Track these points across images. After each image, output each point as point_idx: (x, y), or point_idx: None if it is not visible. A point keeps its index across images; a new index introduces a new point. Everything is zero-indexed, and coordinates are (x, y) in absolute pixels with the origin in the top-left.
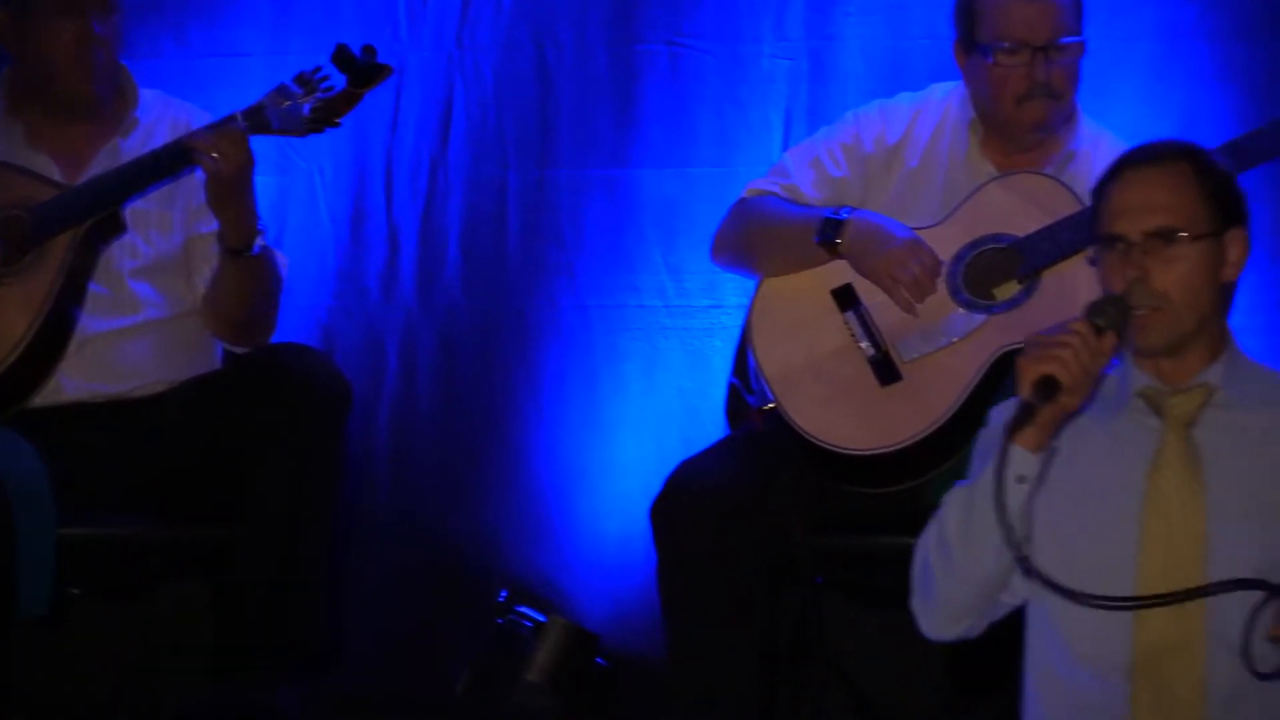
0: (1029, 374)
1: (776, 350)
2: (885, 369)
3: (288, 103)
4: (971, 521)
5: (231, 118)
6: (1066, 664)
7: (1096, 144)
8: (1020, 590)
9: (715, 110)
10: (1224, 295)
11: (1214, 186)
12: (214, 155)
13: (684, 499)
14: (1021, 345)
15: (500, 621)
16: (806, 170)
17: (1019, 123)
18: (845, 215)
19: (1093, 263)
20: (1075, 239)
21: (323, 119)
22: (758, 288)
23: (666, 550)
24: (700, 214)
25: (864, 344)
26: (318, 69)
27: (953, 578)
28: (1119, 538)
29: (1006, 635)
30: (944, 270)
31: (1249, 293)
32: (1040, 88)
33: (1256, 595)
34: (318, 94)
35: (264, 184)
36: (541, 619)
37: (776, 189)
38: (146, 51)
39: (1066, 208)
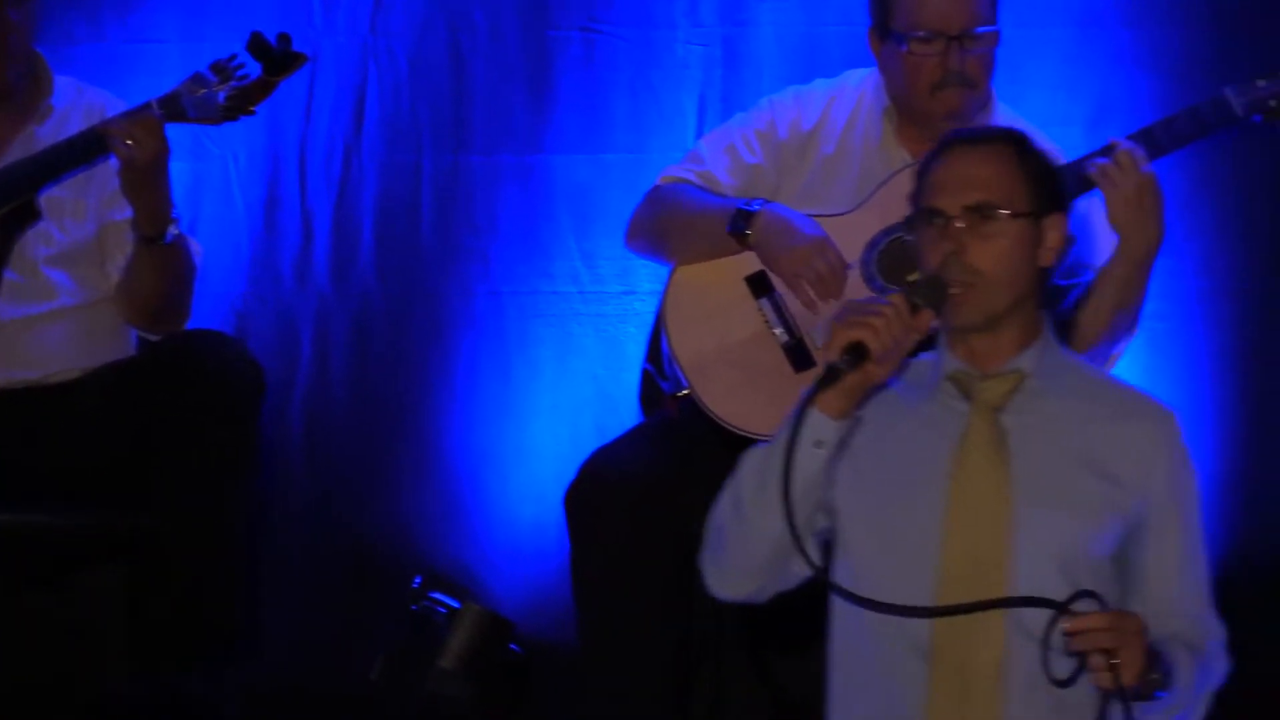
0: (839, 338)
1: (690, 337)
2: (799, 355)
3: (203, 90)
4: (766, 482)
5: (147, 105)
6: (868, 640)
7: None
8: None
9: (629, 96)
10: (1040, 280)
11: (1035, 170)
12: (129, 143)
13: (598, 486)
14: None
15: (414, 608)
16: (721, 157)
17: (933, 112)
18: (757, 207)
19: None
20: None
21: (238, 107)
22: (671, 275)
23: (580, 537)
24: (614, 200)
25: (778, 330)
26: (233, 57)
27: (745, 538)
28: (924, 519)
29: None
30: (859, 258)
31: (1163, 277)
32: (955, 76)
33: (1053, 578)
34: (233, 82)
35: (178, 171)
36: (456, 605)
37: (691, 176)
38: (61, 38)
39: None
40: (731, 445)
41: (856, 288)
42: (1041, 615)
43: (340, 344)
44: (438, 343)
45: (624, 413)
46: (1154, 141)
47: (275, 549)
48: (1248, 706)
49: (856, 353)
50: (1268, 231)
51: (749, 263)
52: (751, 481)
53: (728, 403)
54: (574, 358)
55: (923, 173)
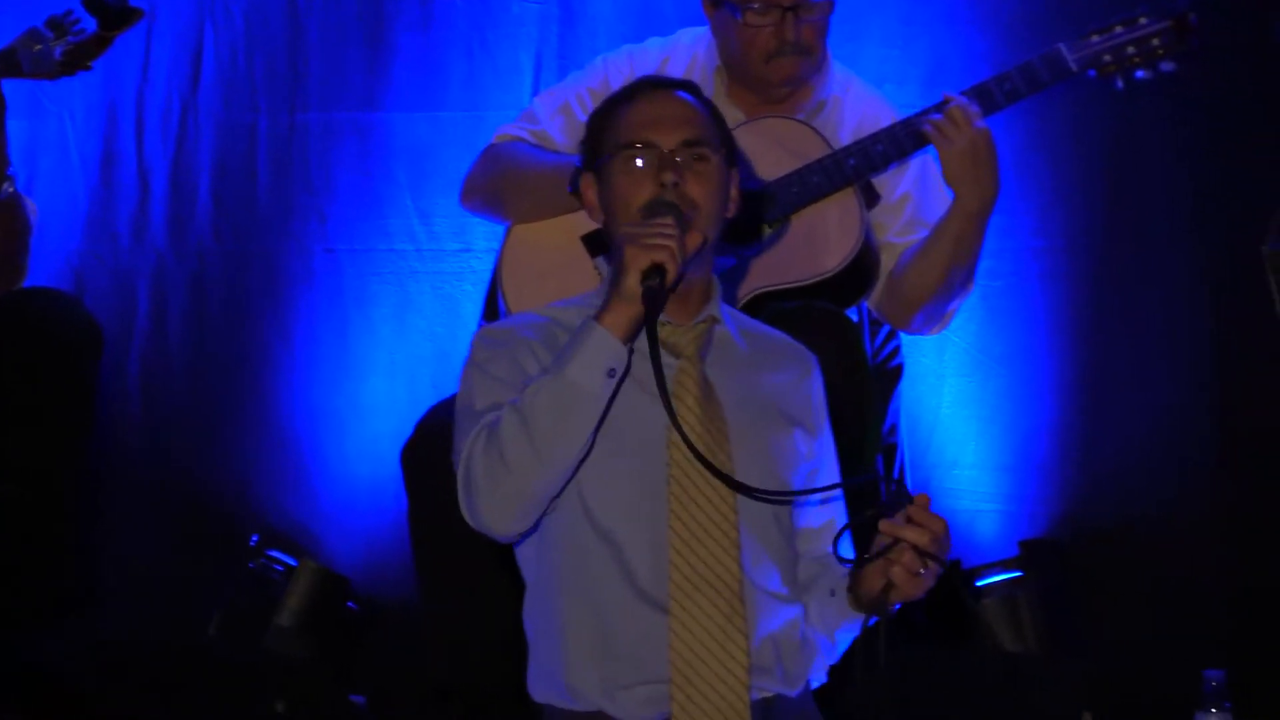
0: (639, 262)
1: (527, 296)
2: None
3: (39, 46)
4: (568, 419)
5: None
6: (612, 592)
7: (847, 90)
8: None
9: (465, 54)
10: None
11: (720, 121)
12: None
13: (434, 442)
14: (771, 289)
15: (251, 565)
16: (556, 116)
17: (769, 79)
18: None
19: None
20: (824, 183)
21: (74, 62)
22: (507, 234)
23: (416, 494)
24: (450, 158)
25: None
26: (69, 12)
27: (534, 467)
28: (648, 476)
29: None
30: None
31: (998, 235)
32: (790, 46)
33: (766, 522)
34: (69, 37)
35: (14, 128)
36: (293, 563)
37: (526, 135)
38: None
39: (815, 151)
40: None
41: None
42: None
43: (177, 302)
44: (274, 301)
45: (461, 369)
46: (988, 97)
47: (112, 506)
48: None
49: (660, 274)
50: (1102, 190)
51: (585, 221)
52: (547, 414)
53: None
54: (411, 315)
55: (613, 115)
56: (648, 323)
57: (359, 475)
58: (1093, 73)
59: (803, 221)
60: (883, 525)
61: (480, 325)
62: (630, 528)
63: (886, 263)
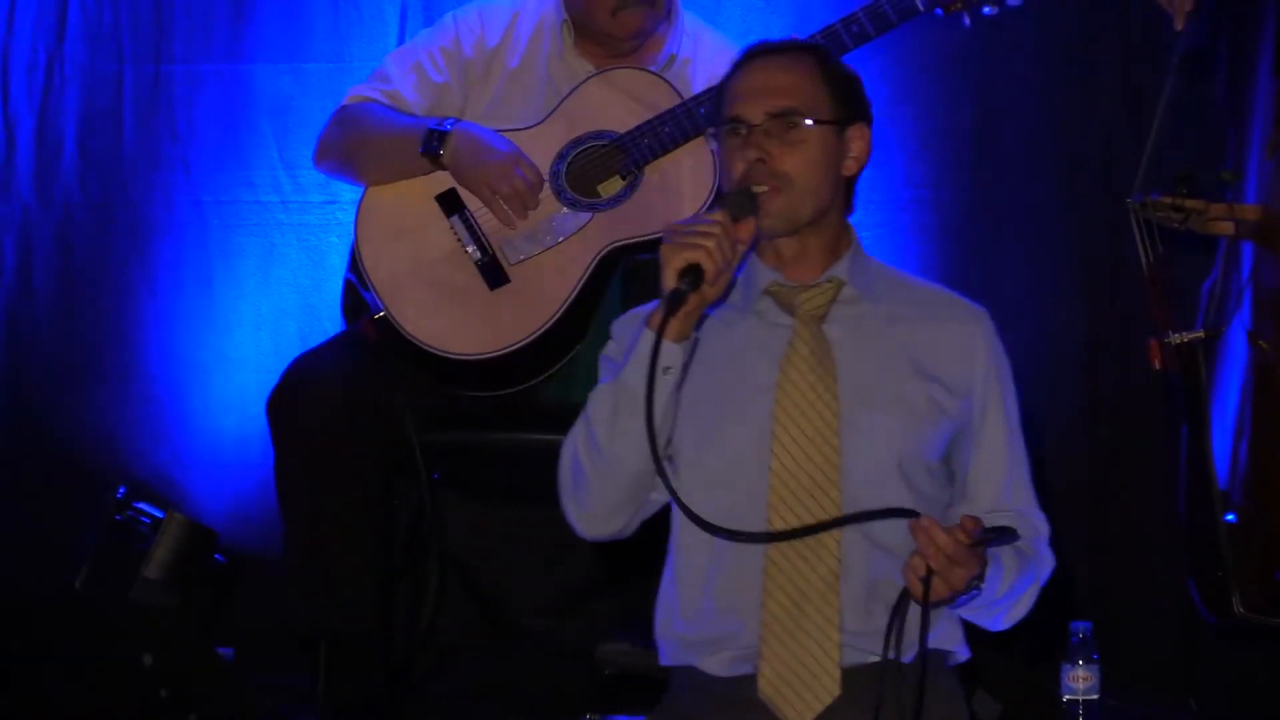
0: (674, 262)
1: (384, 258)
2: (493, 273)
3: None
4: (618, 419)
5: None
6: (705, 556)
7: (698, 44)
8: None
9: (330, 5)
10: (846, 190)
11: (837, 80)
12: None
13: (299, 393)
14: (627, 242)
15: (118, 518)
16: (408, 75)
17: (615, 34)
18: (449, 127)
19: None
20: (676, 133)
21: None
22: (363, 195)
23: (282, 445)
24: (315, 110)
25: (470, 248)
26: None
27: (605, 477)
28: (754, 436)
29: None
30: (548, 170)
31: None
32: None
33: (891, 478)
34: None
35: None
36: (159, 515)
37: (378, 95)
38: None
39: (667, 101)
40: (428, 366)
41: (547, 201)
42: (882, 524)
43: (43, 254)
44: (140, 253)
45: (327, 322)
46: (836, 39)
47: None
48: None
49: (695, 274)
50: (970, 140)
51: (440, 181)
52: (604, 419)
53: (422, 323)
54: (277, 267)
55: (722, 87)
56: (660, 325)
57: (226, 427)
58: (940, 11)
59: (657, 172)
60: (911, 524)
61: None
62: (733, 487)
63: None
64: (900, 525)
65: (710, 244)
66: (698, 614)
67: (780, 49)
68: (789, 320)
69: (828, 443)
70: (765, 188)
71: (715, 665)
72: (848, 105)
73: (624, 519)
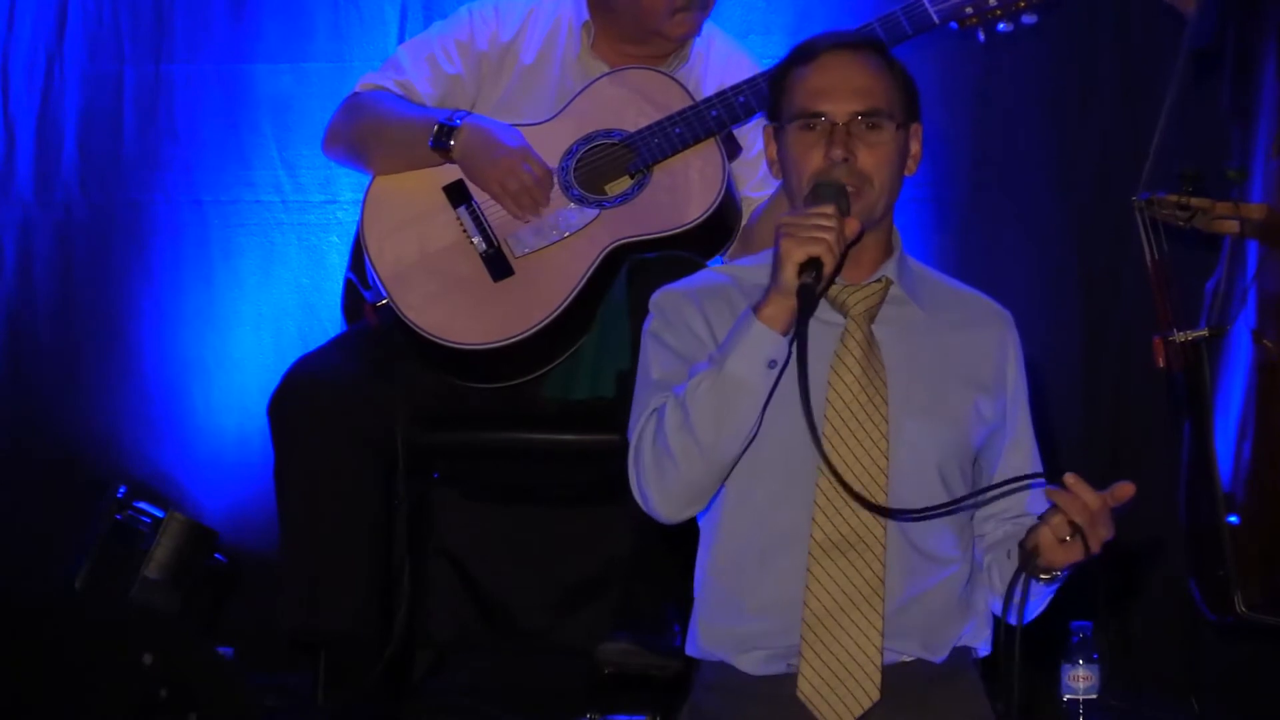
0: (796, 255)
1: (389, 246)
2: (498, 264)
3: None
4: (726, 407)
5: None
6: (755, 547)
7: (709, 44)
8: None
9: (330, 4)
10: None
11: (902, 79)
12: None
13: (299, 394)
14: (632, 240)
15: (119, 517)
16: (421, 66)
17: (669, 35)
18: (459, 121)
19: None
20: (686, 134)
21: None
22: (370, 184)
23: (282, 445)
24: (315, 109)
25: (476, 239)
26: None
27: (698, 461)
28: (802, 429)
29: None
30: (556, 166)
31: None
32: (697, 2)
33: (933, 484)
34: None
35: None
36: (160, 515)
37: (390, 84)
38: None
39: (678, 103)
40: (430, 355)
41: (555, 197)
42: (926, 532)
43: (43, 253)
44: (140, 253)
45: (327, 322)
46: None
47: None
48: None
49: (816, 268)
50: (970, 142)
51: (447, 172)
52: (707, 408)
53: (426, 312)
54: (277, 267)
55: (789, 78)
56: (799, 321)
57: (226, 427)
58: (954, 25)
59: (665, 173)
60: (1046, 492)
61: (346, 276)
62: (778, 486)
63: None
64: (941, 533)
65: (830, 238)
66: (736, 610)
67: (855, 45)
68: (840, 319)
69: (876, 445)
70: (852, 187)
71: (749, 663)
72: (912, 105)
73: (705, 501)
